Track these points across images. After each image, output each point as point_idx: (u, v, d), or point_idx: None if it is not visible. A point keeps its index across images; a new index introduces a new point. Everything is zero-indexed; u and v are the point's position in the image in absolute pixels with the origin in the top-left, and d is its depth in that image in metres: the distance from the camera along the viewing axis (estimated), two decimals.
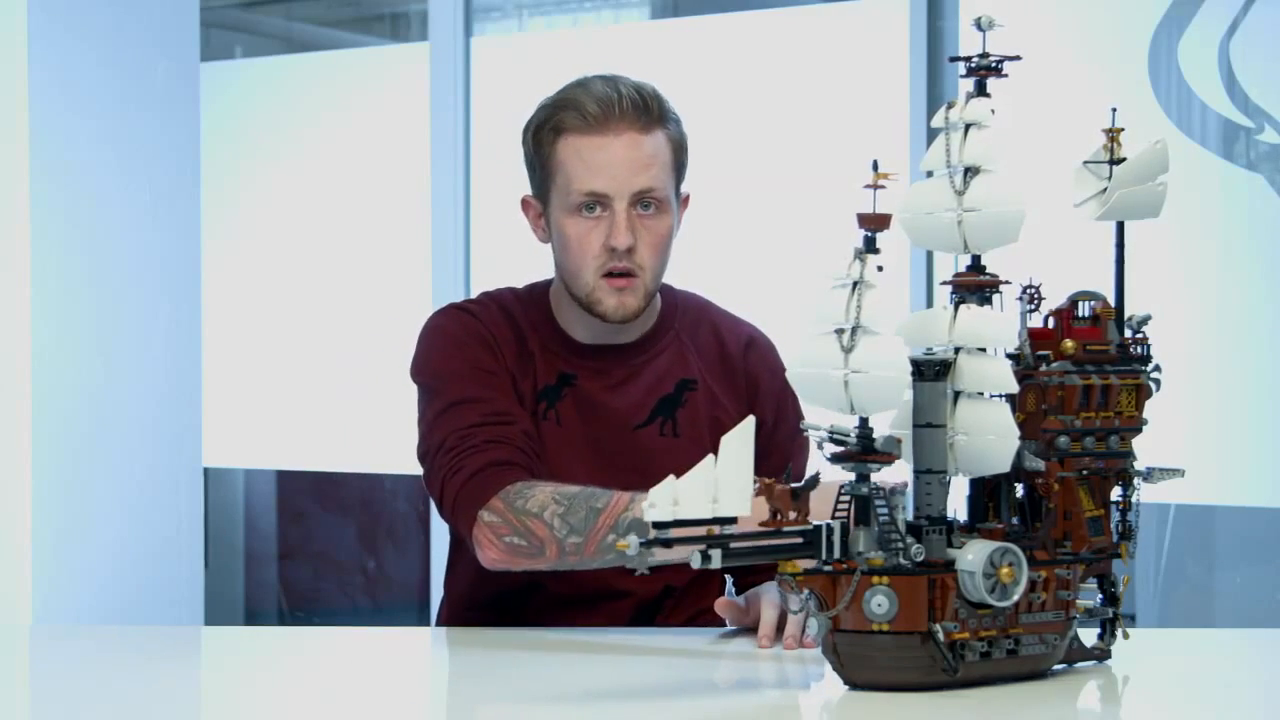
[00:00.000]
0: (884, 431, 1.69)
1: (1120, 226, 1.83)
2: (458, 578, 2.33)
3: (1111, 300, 1.82)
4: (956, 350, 1.72)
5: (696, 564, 1.59)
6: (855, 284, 1.67)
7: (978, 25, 1.75)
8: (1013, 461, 1.71)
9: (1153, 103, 3.73)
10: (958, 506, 1.74)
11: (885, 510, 1.66)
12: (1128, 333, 1.82)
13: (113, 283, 3.76)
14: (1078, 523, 1.76)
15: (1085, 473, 1.77)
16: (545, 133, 2.22)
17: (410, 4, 5.09)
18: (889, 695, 1.67)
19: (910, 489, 1.72)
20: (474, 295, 2.36)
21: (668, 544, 1.58)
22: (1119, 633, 1.85)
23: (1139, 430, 1.81)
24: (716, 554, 1.59)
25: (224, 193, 4.69)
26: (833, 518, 1.67)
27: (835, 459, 1.68)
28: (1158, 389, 1.82)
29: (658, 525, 1.58)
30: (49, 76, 3.60)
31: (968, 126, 1.74)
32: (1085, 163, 1.85)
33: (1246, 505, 3.78)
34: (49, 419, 3.61)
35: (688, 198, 2.28)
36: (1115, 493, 1.81)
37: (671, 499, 1.57)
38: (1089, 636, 1.84)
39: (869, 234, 1.67)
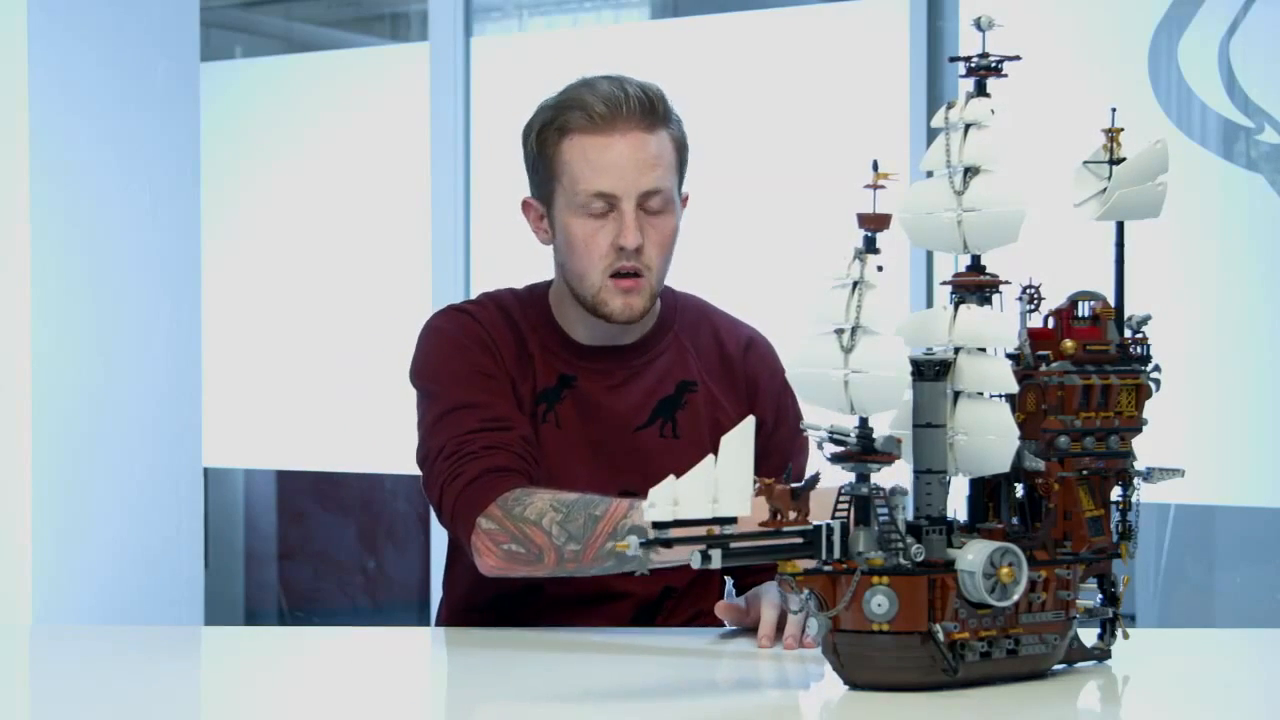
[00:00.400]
0: (884, 431, 1.69)
1: (1120, 226, 1.83)
2: (456, 580, 2.33)
3: (1111, 300, 1.81)
4: (956, 350, 1.72)
5: (696, 564, 1.58)
6: (855, 284, 1.66)
7: (977, 25, 1.75)
8: (1013, 461, 1.71)
9: (1153, 103, 3.73)
10: (958, 506, 1.74)
11: (885, 510, 1.66)
12: (1128, 333, 1.82)
13: (113, 283, 3.76)
14: (1078, 523, 1.76)
15: (1085, 473, 1.77)
16: (550, 133, 2.20)
17: (410, 4, 5.09)
18: (889, 695, 1.67)
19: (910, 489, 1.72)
20: (474, 296, 2.36)
21: (668, 544, 1.58)
22: (1119, 633, 1.85)
23: (1139, 430, 1.81)
24: (716, 554, 1.59)
25: (224, 193, 4.69)
26: (832, 518, 1.67)
27: (835, 459, 1.68)
28: (1158, 389, 1.82)
29: (658, 525, 1.57)
30: (49, 76, 3.60)
31: (968, 126, 1.74)
32: (1085, 163, 1.85)
33: (1246, 505, 3.78)
34: (49, 419, 3.61)
35: (687, 198, 2.27)
36: (1115, 493, 1.80)
37: (671, 499, 1.57)
38: (1089, 636, 1.84)
39: (869, 234, 1.67)
